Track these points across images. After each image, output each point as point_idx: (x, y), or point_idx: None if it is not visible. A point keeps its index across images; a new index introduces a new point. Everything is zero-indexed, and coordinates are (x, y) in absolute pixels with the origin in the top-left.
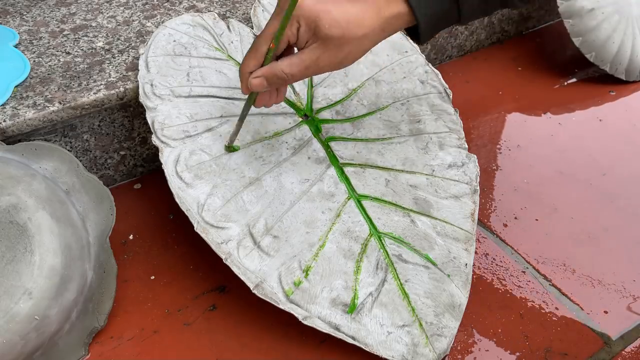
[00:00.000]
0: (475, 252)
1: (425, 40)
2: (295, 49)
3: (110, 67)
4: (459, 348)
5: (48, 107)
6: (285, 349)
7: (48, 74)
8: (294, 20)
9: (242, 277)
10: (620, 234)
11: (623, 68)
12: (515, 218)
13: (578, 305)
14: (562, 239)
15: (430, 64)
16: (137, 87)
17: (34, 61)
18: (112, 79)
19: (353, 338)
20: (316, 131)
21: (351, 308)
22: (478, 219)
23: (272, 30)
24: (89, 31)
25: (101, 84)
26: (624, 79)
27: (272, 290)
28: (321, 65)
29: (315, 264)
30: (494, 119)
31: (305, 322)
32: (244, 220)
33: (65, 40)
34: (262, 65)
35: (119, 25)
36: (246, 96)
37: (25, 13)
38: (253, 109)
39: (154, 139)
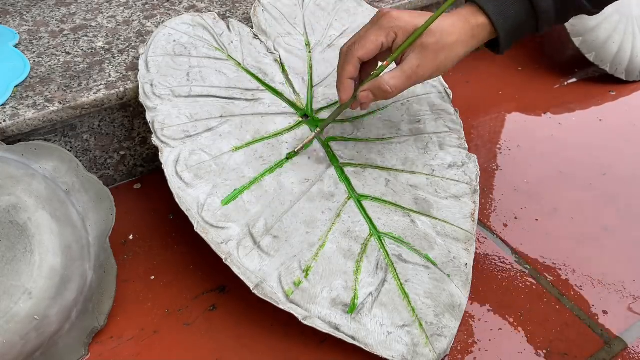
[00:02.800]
0: (475, 252)
1: (505, 49)
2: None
3: (110, 67)
4: (459, 348)
5: (48, 107)
6: (285, 349)
7: (48, 74)
8: (391, 32)
9: (242, 277)
10: (620, 234)
11: (623, 68)
12: (515, 218)
13: (578, 305)
14: (562, 239)
15: None
16: (137, 87)
17: (34, 61)
18: (112, 79)
19: (353, 338)
20: None
21: (351, 308)
22: (478, 219)
23: (372, 46)
24: (89, 31)
25: (101, 84)
26: (624, 79)
27: (272, 290)
28: (420, 73)
29: (315, 264)
30: (494, 119)
31: (305, 322)
32: (244, 220)
33: (65, 40)
34: (361, 80)
35: (119, 25)
36: (244, 100)
37: (25, 13)
38: (253, 109)
39: (154, 139)
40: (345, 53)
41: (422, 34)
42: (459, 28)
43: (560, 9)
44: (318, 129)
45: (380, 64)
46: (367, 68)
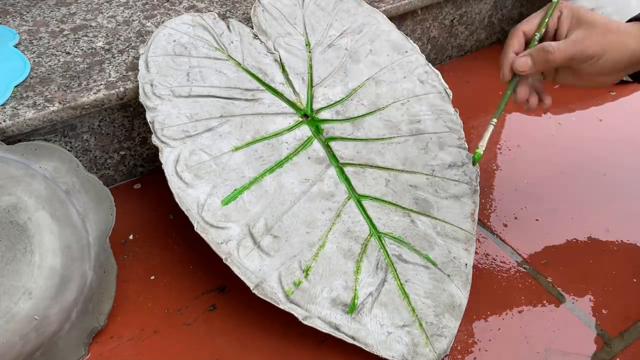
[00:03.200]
0: (475, 252)
1: None
2: None
3: (110, 67)
4: (459, 348)
5: (48, 107)
6: (285, 349)
7: (48, 74)
8: (557, 9)
9: (242, 277)
10: (620, 234)
11: None
12: (515, 218)
13: (578, 305)
14: (562, 239)
15: (430, 64)
16: (137, 87)
17: (34, 61)
18: (112, 79)
19: (353, 338)
20: (316, 131)
21: (351, 308)
22: (478, 219)
23: (537, 20)
24: (88, 31)
25: (101, 84)
26: (624, 79)
27: (272, 290)
28: (586, 44)
29: (315, 264)
30: None
31: (305, 322)
32: (244, 220)
33: (65, 40)
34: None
35: (119, 25)
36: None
37: (25, 13)
38: (253, 109)
39: (153, 139)
40: (512, 30)
41: (586, 13)
42: (630, 26)
43: None
44: (494, 120)
45: (537, 35)
46: None
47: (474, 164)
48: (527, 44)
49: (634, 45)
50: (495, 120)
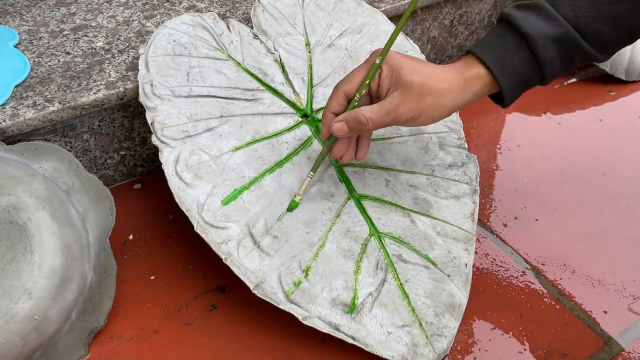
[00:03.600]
0: (475, 252)
1: (510, 102)
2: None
3: (110, 67)
4: (459, 348)
5: (48, 107)
6: (285, 349)
7: (48, 74)
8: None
9: (242, 277)
10: (620, 234)
11: (623, 68)
12: (515, 218)
13: (578, 305)
14: (562, 239)
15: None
16: (137, 87)
17: (34, 61)
18: (112, 79)
19: (353, 338)
20: (316, 131)
21: (351, 308)
22: (478, 219)
23: (357, 80)
24: (88, 31)
25: (101, 84)
26: (624, 79)
27: (272, 290)
28: (400, 111)
29: (315, 264)
30: (493, 119)
31: (305, 322)
32: (243, 220)
33: (65, 40)
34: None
35: (118, 25)
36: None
37: (25, 13)
38: (253, 109)
39: (153, 139)
40: (333, 89)
41: (405, 71)
42: (451, 78)
43: (566, 58)
44: (311, 173)
45: (357, 96)
46: None
47: (290, 210)
48: (349, 102)
49: (453, 101)
50: (312, 174)
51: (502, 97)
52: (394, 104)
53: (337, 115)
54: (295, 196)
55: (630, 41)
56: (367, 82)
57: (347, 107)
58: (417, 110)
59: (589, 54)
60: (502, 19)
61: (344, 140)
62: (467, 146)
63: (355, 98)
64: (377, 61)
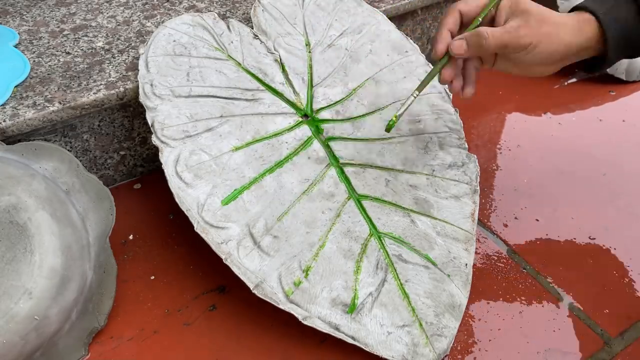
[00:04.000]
0: (475, 252)
1: (613, 60)
2: None
3: (110, 67)
4: (459, 348)
5: (48, 107)
6: (285, 349)
7: (48, 74)
8: None
9: (242, 277)
10: (621, 233)
11: (623, 68)
12: (515, 218)
13: (578, 305)
14: (562, 239)
15: (430, 64)
16: (137, 87)
17: (34, 61)
18: (112, 79)
19: (353, 338)
20: (316, 131)
21: (351, 308)
22: (478, 219)
23: (476, 3)
24: (88, 31)
25: (101, 84)
26: (624, 79)
27: (272, 290)
28: (521, 34)
29: (315, 264)
30: (494, 119)
31: (305, 322)
32: (244, 220)
33: (65, 40)
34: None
35: (118, 25)
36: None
37: (25, 13)
38: (253, 109)
39: (153, 139)
40: (449, 7)
41: (526, 2)
42: (566, 17)
43: None
44: (416, 92)
45: (479, 19)
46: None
47: (388, 130)
48: (462, 24)
49: (569, 37)
50: (417, 92)
51: (605, 53)
52: (515, 26)
53: (451, 33)
54: (394, 115)
55: None
56: (490, 6)
57: (466, 29)
58: (537, 36)
59: None
60: None
61: (452, 67)
62: (467, 146)
63: (478, 21)
64: None
